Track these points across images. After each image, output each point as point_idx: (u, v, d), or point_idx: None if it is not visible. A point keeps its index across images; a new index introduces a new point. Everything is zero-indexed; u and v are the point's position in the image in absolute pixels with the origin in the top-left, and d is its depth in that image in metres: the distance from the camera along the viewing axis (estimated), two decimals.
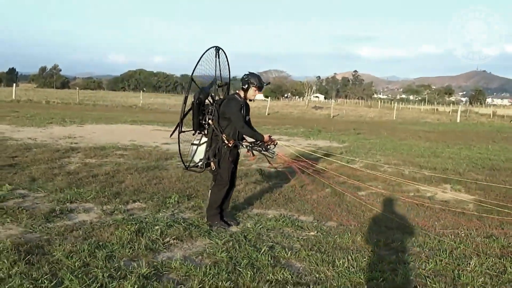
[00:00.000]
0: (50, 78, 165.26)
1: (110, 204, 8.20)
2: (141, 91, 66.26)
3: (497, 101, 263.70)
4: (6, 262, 5.20)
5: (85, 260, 5.47)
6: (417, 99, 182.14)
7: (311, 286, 5.11)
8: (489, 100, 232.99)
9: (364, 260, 6.03)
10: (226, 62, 7.79)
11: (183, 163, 7.64)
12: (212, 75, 7.46)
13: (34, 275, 4.93)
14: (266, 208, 8.70)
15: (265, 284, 5.09)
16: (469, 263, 6.06)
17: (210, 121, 7.20)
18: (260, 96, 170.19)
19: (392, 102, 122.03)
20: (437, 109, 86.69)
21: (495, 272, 5.83)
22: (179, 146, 7.45)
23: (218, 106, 7.25)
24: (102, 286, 4.80)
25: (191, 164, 7.65)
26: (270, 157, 7.78)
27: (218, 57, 7.49)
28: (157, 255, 5.90)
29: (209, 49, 7.31)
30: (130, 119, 29.28)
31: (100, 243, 6.08)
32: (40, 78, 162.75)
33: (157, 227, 6.85)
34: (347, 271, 5.61)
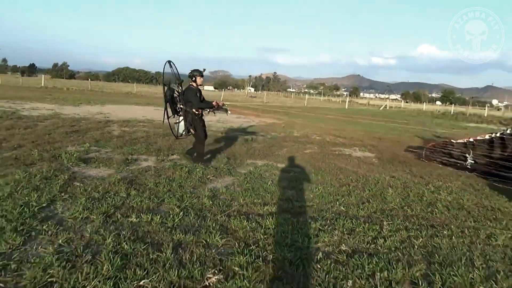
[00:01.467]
0: (61, 71, 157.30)
1: (158, 156, 8.62)
2: (135, 83, 64.90)
3: (367, 95, 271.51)
4: (122, 188, 5.72)
5: (167, 187, 6.04)
6: (315, 92, 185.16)
7: (307, 202, 5.89)
8: (361, 94, 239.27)
9: (329, 189, 6.85)
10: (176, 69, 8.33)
11: (174, 135, 8.53)
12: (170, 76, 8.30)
13: (144, 195, 5.49)
14: (255, 159, 9.30)
15: (281, 200, 5.84)
16: (388, 191, 7.00)
17: (181, 106, 8.07)
18: (210, 87, 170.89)
19: (302, 94, 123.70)
20: (330, 99, 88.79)
21: (404, 196, 6.79)
22: (170, 126, 8.55)
23: (182, 95, 8.03)
24: (189, 202, 5.40)
25: (178, 135, 8.45)
26: (225, 111, 8.69)
27: (173, 65, 8.09)
28: (207, 185, 6.51)
29: (166, 62, 8.03)
30: (133, 102, 28.89)
31: (169, 178, 6.62)
32: (53, 71, 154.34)
33: (198, 169, 7.43)
34: (323, 195, 6.43)
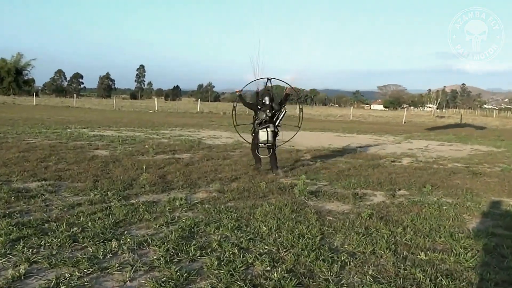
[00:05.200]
0: (206, 93, 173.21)
1: (385, 190, 9.48)
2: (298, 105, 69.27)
3: None
4: (379, 224, 6.60)
5: (426, 225, 6.75)
6: None
7: None
8: None
9: None
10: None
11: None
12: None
13: (410, 233, 6.26)
14: (501, 197, 9.50)
15: None
16: None
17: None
18: (379, 106, 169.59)
19: (503, 111, 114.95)
20: None
21: None
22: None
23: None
24: (466, 242, 6.01)
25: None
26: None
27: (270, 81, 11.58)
28: (466, 225, 7.04)
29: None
30: (307, 127, 30.73)
31: (419, 216, 7.32)
32: (198, 93, 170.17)
33: (445, 207, 8.01)
34: None
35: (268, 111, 11.00)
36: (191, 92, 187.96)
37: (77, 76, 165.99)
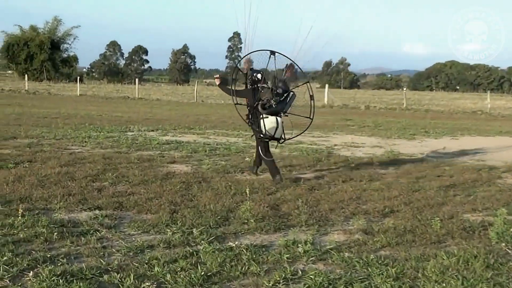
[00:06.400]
0: (336, 75, 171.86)
1: None
2: (488, 93, 67.41)
3: None
4: None
5: None
6: None
7: None
8: None
9: None
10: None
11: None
12: None
13: None
14: None
15: None
16: None
17: None
18: None
19: None
20: None
21: None
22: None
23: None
24: None
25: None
26: None
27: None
28: None
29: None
30: (496, 130, 29.77)
31: None
32: (324, 76, 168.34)
33: None
34: None
35: (276, 88, 11.63)
36: (313, 74, 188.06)
37: (139, 51, 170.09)
